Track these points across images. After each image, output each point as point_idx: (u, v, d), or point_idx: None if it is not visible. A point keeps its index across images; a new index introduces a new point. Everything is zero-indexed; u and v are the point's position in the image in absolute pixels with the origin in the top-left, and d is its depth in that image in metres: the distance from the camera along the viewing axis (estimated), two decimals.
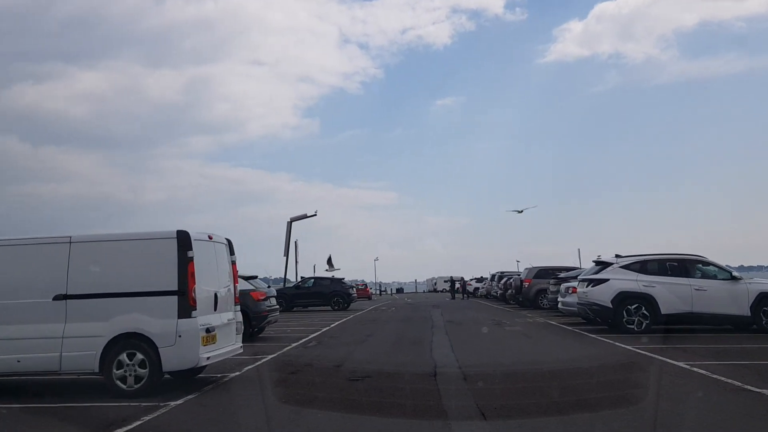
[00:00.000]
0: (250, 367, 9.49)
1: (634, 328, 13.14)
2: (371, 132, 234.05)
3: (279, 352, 11.36)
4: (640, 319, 13.28)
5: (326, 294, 28.65)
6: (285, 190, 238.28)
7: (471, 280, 53.43)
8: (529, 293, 24.29)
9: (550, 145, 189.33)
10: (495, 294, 34.55)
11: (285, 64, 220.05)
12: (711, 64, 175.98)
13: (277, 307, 15.43)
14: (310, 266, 48.05)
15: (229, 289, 8.46)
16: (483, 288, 43.00)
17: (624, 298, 13.42)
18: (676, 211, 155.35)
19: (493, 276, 37.58)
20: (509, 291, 27.82)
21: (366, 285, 64.54)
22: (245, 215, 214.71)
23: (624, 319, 13.35)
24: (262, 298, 13.88)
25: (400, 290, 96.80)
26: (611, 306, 13.45)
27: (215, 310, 7.92)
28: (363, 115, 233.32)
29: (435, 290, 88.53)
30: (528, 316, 20.22)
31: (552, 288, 21.14)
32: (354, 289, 31.19)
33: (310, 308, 28.70)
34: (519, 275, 26.44)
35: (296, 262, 38.30)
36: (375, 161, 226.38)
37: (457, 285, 51.12)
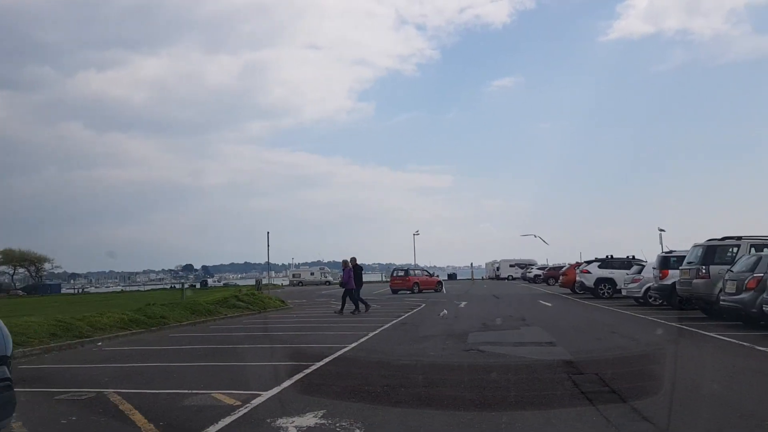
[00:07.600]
0: None
1: None
2: (427, 114, 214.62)
3: None
4: None
5: None
6: (341, 173, 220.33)
7: (608, 258, 26.80)
8: None
9: (611, 126, 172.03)
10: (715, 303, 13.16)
11: (341, 48, 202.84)
12: None
13: None
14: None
15: None
16: (634, 285, 20.96)
17: None
18: (745, 191, 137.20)
19: (680, 257, 16.02)
20: None
21: (406, 272, 40.90)
22: (303, 199, 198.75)
23: None
24: None
25: (452, 276, 76.55)
26: None
27: None
28: (419, 98, 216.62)
29: (498, 277, 69.29)
30: None
31: None
32: None
33: None
34: None
35: None
36: (431, 144, 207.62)
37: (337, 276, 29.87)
